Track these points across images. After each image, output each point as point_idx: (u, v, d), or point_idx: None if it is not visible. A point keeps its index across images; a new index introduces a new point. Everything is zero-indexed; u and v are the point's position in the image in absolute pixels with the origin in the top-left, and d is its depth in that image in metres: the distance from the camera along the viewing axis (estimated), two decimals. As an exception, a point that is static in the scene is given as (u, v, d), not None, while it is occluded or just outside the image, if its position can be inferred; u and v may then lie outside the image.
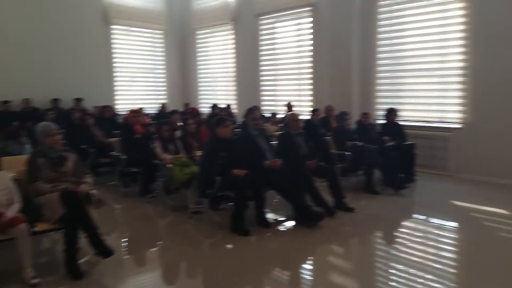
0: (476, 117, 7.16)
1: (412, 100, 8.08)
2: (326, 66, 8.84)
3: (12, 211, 3.16)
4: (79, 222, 3.36)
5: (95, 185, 3.91)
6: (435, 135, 7.59)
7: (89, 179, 3.81)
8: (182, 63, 12.52)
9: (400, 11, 8.05)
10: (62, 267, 3.37)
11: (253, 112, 5.16)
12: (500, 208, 5.35)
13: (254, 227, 4.51)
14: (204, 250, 4.26)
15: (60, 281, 3.29)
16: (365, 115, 7.04)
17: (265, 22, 10.25)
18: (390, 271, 3.60)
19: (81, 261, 3.48)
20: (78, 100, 9.93)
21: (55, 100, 9.70)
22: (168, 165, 5.19)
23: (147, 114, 8.90)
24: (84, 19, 10.42)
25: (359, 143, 6.52)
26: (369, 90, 8.53)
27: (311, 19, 9.17)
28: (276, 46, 10.22)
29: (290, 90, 10.05)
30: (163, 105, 10.30)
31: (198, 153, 5.54)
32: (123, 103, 11.22)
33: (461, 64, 7.29)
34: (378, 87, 8.51)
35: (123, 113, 9.89)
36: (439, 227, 4.78)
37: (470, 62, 7.14)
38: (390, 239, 4.52)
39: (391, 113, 7.13)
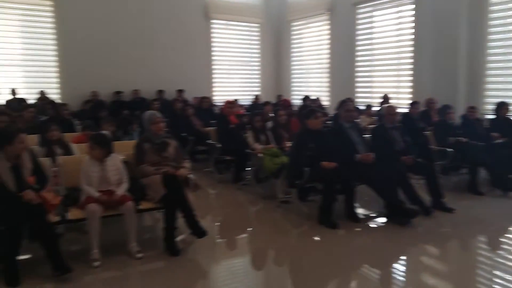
0: None
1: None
2: (429, 56, 8.27)
3: (121, 190, 3.53)
4: (177, 203, 3.63)
5: (193, 170, 4.17)
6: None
7: (187, 164, 4.08)
8: (276, 55, 12.68)
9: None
10: (161, 244, 3.68)
11: (346, 104, 5.04)
12: None
13: (342, 220, 4.44)
14: (292, 239, 4.32)
15: (159, 256, 3.60)
16: (472, 109, 6.45)
17: (362, 11, 9.89)
18: (494, 279, 3.29)
19: (178, 239, 3.76)
20: (180, 91, 10.63)
21: (160, 92, 10.51)
22: (259, 155, 5.33)
23: (241, 105, 9.20)
24: (187, 15, 11.11)
25: (464, 139, 6.02)
26: (477, 82, 7.81)
27: (413, 6, 8.60)
28: (373, 36, 9.82)
29: (387, 82, 9.61)
30: (256, 96, 10.55)
31: (288, 144, 5.61)
32: (220, 94, 11.77)
33: None
34: (488, 79, 7.74)
35: (220, 103, 10.42)
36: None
37: None
38: (494, 245, 4.11)
39: (502, 107, 6.44)
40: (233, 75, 12.33)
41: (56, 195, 3.38)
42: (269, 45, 12.53)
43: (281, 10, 12.30)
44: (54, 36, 9.67)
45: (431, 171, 5.07)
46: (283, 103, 7.29)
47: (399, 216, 4.44)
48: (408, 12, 8.86)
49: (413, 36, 8.71)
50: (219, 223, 4.80)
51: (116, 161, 3.64)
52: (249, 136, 5.59)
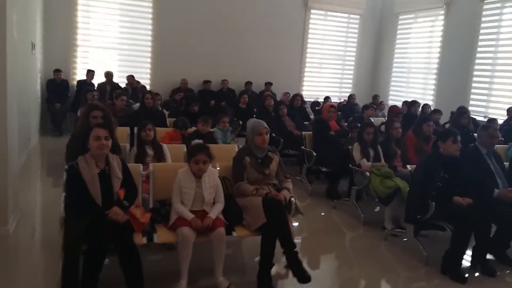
0: None
1: None
2: None
3: (215, 212, 3.00)
4: (279, 235, 3.03)
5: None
6: None
7: (289, 184, 3.45)
8: (375, 51, 11.55)
9: None
10: (251, 274, 3.12)
11: (490, 126, 4.03)
12: None
13: (470, 272, 3.57)
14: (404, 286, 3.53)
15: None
16: None
17: (490, 7, 8.44)
18: None
19: (272, 271, 3.17)
20: (269, 84, 10.07)
21: (249, 83, 10.03)
22: (366, 173, 4.55)
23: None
24: (286, 3, 10.43)
25: None
26: None
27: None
28: (500, 37, 8.37)
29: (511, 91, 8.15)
30: (351, 96, 9.61)
31: (399, 163, 4.75)
32: (309, 90, 11.02)
33: None
34: None
35: (310, 100, 9.69)
36: None
37: None
38: None
39: None
40: (325, 71, 11.45)
41: (145, 211, 2.92)
42: (368, 40, 11.41)
43: (388, 1, 11.10)
44: (150, 21, 9.55)
45: None
46: (392, 111, 6.30)
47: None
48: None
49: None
50: (311, 254, 4.07)
51: (214, 177, 3.10)
52: (355, 149, 4.80)
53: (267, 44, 10.38)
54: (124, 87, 8.73)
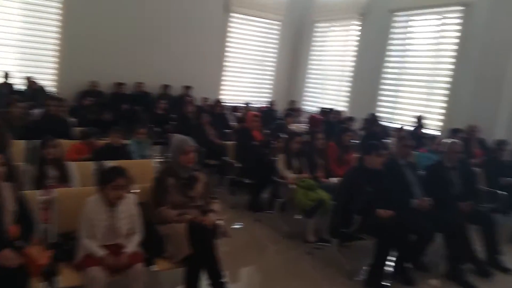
0: None
1: None
2: (470, 77, 7.42)
3: (131, 245, 2.63)
4: (204, 264, 2.77)
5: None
6: None
7: (217, 205, 3.20)
8: (293, 57, 11.73)
9: None
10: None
11: (403, 137, 4.19)
12: None
13: (390, 281, 3.63)
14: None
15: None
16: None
17: (399, 20, 8.99)
18: None
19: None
20: (187, 88, 9.69)
21: (166, 86, 9.54)
22: (290, 186, 4.47)
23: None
24: (206, 5, 10.11)
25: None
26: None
27: (460, 20, 7.72)
28: (407, 48, 8.98)
29: (415, 99, 8.77)
30: (271, 102, 9.63)
31: (322, 174, 4.75)
32: (228, 95, 10.83)
33: None
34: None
35: (229, 104, 9.49)
36: None
37: None
38: None
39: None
40: (245, 75, 11.36)
41: (44, 249, 2.45)
42: (287, 46, 11.54)
43: (307, 9, 11.29)
44: (57, 15, 8.59)
45: (490, 220, 4.29)
46: (313, 120, 6.34)
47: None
48: (452, 26, 7.99)
49: (454, 54, 7.86)
50: (230, 264, 3.88)
51: (130, 204, 2.73)
52: (280, 160, 4.69)
53: (186, 46, 9.95)
54: (23, 90, 7.74)
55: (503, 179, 5.28)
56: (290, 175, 4.58)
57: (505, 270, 4.12)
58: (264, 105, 10.18)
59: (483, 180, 5.32)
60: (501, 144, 5.56)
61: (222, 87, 10.87)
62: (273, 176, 4.72)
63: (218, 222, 3.06)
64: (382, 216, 3.62)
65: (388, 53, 9.16)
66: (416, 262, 3.98)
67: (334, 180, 4.47)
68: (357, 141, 6.53)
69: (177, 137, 3.23)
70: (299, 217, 4.88)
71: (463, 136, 6.37)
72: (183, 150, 3.05)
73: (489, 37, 7.13)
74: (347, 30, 10.44)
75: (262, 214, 5.02)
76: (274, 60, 11.57)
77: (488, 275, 3.96)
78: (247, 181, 5.28)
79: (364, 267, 3.91)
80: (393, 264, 3.79)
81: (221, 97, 10.25)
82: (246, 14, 10.75)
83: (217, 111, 7.38)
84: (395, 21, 8.99)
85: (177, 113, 7.29)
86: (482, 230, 4.23)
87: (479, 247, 4.16)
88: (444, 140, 4.58)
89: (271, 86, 11.69)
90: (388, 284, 3.54)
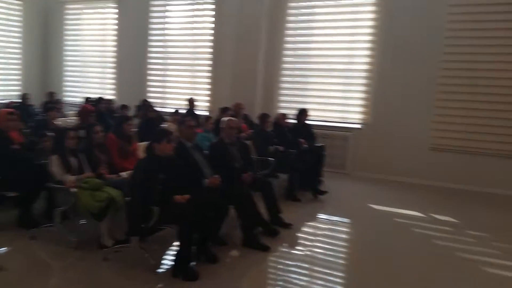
0: (374, 118, 7.45)
1: (316, 100, 8.00)
2: (229, 61, 8.12)
3: None
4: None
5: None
6: (336, 135, 7.66)
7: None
8: (44, 43, 10.19)
9: (309, 8, 7.94)
10: None
11: (185, 119, 4.15)
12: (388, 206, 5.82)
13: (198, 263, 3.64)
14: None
15: None
16: (284, 116, 6.62)
17: (156, 3, 8.93)
18: None
19: None
20: None
21: None
22: (72, 190, 3.86)
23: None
24: None
25: (281, 148, 6.11)
26: (273, 89, 8.19)
27: (213, 6, 8.27)
28: (167, 32, 9.07)
29: (183, 83, 9.05)
30: (25, 95, 8.16)
31: (105, 170, 4.28)
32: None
33: (366, 67, 7.47)
34: (282, 85, 8.23)
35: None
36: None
37: (375, 65, 7.36)
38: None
39: (303, 114, 6.89)
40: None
41: None
42: (35, 30, 9.92)
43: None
44: None
45: (270, 186, 4.85)
46: (82, 113, 5.54)
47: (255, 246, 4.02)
48: (207, 11, 8.48)
49: (212, 38, 8.40)
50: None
51: None
52: (53, 163, 3.97)
53: None
54: None
55: (270, 147, 6.03)
56: (68, 177, 3.94)
57: (286, 225, 4.70)
58: (15, 100, 8.54)
59: (254, 150, 5.97)
60: (264, 117, 6.29)
61: None
62: (47, 182, 3.98)
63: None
64: (180, 201, 3.54)
65: (150, 37, 9.05)
66: (215, 238, 4.12)
67: (124, 174, 4.10)
68: (134, 130, 6.24)
69: None
70: (84, 222, 4.35)
71: (231, 114, 6.95)
72: None
73: (241, 23, 7.91)
74: (103, 13, 9.75)
75: (39, 230, 4.19)
76: (19, 46, 9.78)
77: (276, 234, 4.43)
78: (10, 194, 4.28)
79: (168, 257, 3.81)
80: (195, 246, 3.79)
81: None
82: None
83: None
84: (153, 5, 8.91)
85: None
86: (263, 195, 4.73)
87: (263, 210, 4.62)
88: (222, 119, 4.82)
89: (19, 77, 9.89)
90: (194, 269, 3.51)
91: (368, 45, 7.40)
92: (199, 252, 3.79)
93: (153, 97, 9.03)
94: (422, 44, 6.98)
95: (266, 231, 4.43)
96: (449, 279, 3.72)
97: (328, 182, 6.63)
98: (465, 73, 6.82)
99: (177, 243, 3.58)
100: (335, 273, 3.86)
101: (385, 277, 3.70)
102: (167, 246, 4.03)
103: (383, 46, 7.23)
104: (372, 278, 3.69)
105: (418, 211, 5.61)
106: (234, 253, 4.09)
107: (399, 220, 5.36)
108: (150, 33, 9.03)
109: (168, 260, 3.78)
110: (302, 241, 4.44)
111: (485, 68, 6.67)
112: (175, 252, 3.61)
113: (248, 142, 5.82)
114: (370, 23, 7.35)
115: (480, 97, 6.71)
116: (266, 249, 4.06)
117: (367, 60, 7.43)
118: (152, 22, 9.00)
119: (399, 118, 7.23)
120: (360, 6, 7.50)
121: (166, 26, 9.09)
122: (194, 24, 8.79)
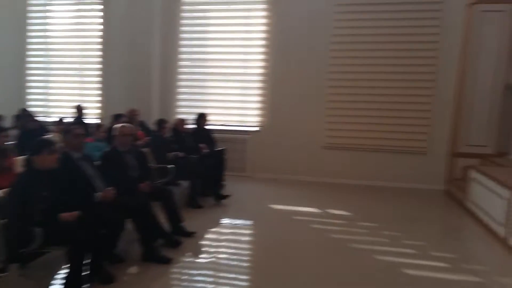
0: (271, 120, 7.68)
1: (214, 104, 7.98)
2: (120, 64, 7.68)
3: None
4: None
5: None
6: (235, 138, 7.73)
7: None
8: None
9: (203, 12, 7.90)
10: None
11: (72, 129, 3.74)
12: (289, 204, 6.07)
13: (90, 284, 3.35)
14: None
15: None
16: (182, 121, 6.45)
17: (37, 3, 8.09)
18: None
19: None
20: None
21: None
22: None
23: None
24: None
25: (181, 154, 5.94)
26: (170, 94, 7.97)
27: (102, 6, 7.74)
28: (50, 34, 8.27)
29: (69, 88, 8.33)
30: None
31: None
32: None
33: (261, 70, 7.64)
34: (180, 90, 8.04)
35: None
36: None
37: (269, 68, 7.57)
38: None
39: (202, 118, 6.83)
40: None
41: None
42: None
43: None
44: None
45: (170, 194, 4.67)
46: None
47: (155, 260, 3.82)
48: (93, 13, 7.91)
49: (100, 40, 7.86)
50: None
51: None
52: None
53: None
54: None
55: (169, 154, 5.82)
56: None
57: (189, 234, 4.54)
58: None
59: (153, 158, 5.70)
60: (161, 123, 6.05)
61: None
62: None
63: None
64: (67, 220, 3.18)
65: (29, 40, 8.17)
66: (110, 256, 3.81)
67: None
68: (12, 142, 5.56)
69: None
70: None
71: (125, 120, 6.56)
72: None
73: (131, 25, 7.52)
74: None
75: None
76: None
77: (178, 244, 4.25)
78: None
79: (57, 282, 3.41)
80: (88, 266, 3.45)
81: None
82: None
83: None
84: (32, 5, 8.06)
85: None
86: (163, 204, 4.52)
87: (163, 221, 4.41)
88: (115, 126, 4.49)
89: None
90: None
91: (261, 49, 7.58)
92: (93, 273, 3.46)
93: (35, 105, 8.16)
94: (312, 46, 7.32)
95: (168, 243, 4.23)
96: (344, 267, 3.93)
97: (230, 185, 6.63)
98: (348, 75, 7.25)
99: (66, 266, 3.22)
100: (240, 276, 3.82)
101: (287, 274, 3.77)
102: (55, 270, 3.60)
103: (275, 50, 7.47)
104: (276, 276, 3.73)
105: (315, 208, 5.88)
106: (133, 269, 3.82)
107: (298, 217, 5.55)
108: (28, 35, 8.14)
109: (57, 286, 3.38)
110: (206, 249, 4.33)
111: (366, 71, 7.19)
112: (64, 276, 3.24)
113: (145, 150, 5.56)
114: (262, 27, 7.54)
115: (363, 97, 7.25)
116: (167, 261, 3.86)
117: (262, 63, 7.61)
118: (31, 23, 8.12)
119: (294, 119, 7.53)
120: (252, 10, 7.65)
121: (48, 27, 8.27)
122: (80, 25, 8.14)
